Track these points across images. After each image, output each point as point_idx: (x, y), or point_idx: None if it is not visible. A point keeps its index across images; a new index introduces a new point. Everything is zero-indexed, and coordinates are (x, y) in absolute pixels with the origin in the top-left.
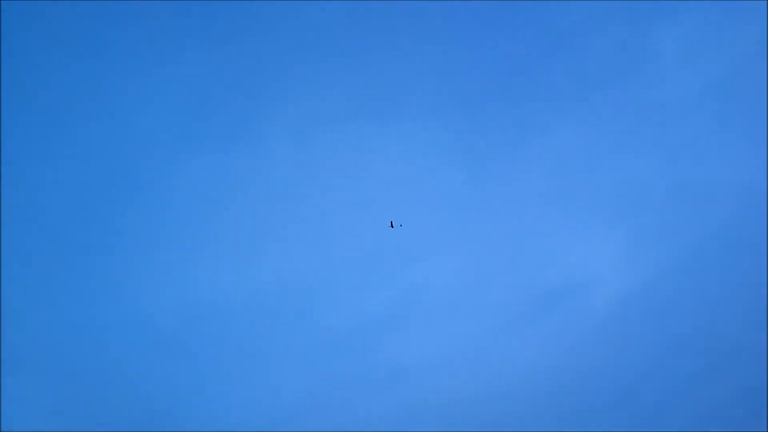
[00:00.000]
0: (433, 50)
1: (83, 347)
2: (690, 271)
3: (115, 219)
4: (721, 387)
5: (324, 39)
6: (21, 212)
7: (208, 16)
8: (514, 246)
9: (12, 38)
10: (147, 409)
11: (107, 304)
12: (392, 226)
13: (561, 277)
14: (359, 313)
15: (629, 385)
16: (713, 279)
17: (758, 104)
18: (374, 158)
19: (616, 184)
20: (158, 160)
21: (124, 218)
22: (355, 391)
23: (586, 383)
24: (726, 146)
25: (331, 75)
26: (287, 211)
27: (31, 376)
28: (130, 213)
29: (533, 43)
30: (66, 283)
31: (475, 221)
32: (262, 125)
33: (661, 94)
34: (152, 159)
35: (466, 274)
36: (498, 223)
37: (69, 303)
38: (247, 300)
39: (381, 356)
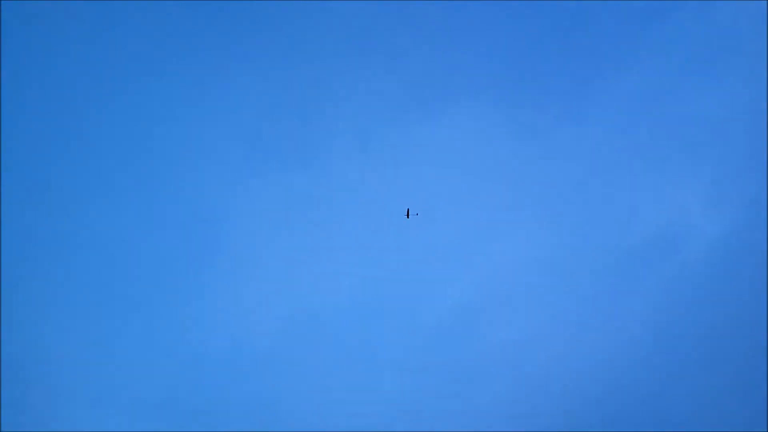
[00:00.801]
0: (467, 42)
1: (196, 361)
2: None
3: (215, 236)
4: None
5: (367, 43)
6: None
7: (264, 41)
8: (598, 206)
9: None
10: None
11: (214, 319)
12: (408, 216)
13: (653, 228)
14: (455, 302)
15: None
16: None
17: None
18: (439, 148)
19: (697, 122)
20: (248, 176)
21: (221, 235)
22: (463, 381)
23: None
24: None
25: (381, 77)
26: (370, 215)
27: (139, 385)
28: (226, 231)
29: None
30: (173, 304)
31: (553, 190)
32: (330, 140)
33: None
34: (244, 175)
35: (556, 245)
36: (577, 187)
37: (176, 323)
38: (345, 306)
39: (483, 342)
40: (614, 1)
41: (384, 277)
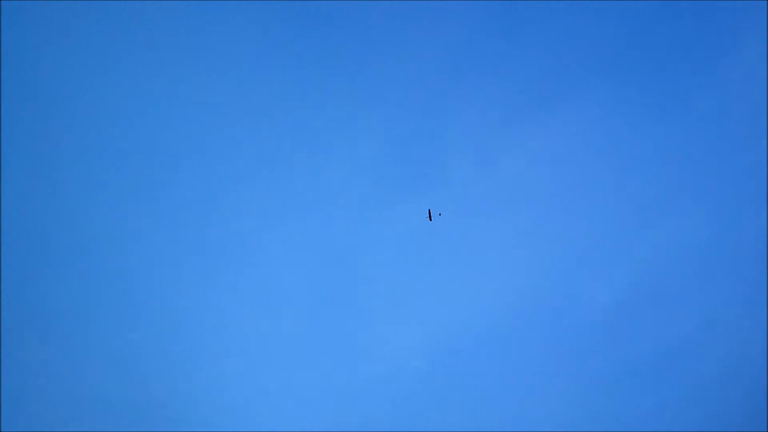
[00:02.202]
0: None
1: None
2: None
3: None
4: None
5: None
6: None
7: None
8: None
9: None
10: None
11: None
12: (430, 218)
13: None
14: (607, 302)
15: None
16: None
17: None
18: (562, 145)
19: None
20: (379, 211)
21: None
22: (624, 385)
23: None
24: None
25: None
26: (505, 222)
27: None
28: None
29: None
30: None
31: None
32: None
33: None
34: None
35: (713, 233)
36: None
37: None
38: (495, 316)
39: (642, 343)
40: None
41: (530, 283)
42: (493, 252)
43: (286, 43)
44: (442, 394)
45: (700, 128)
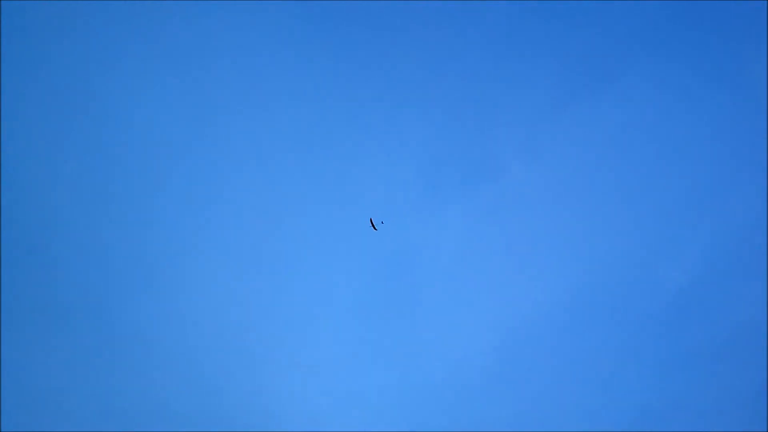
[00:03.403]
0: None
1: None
2: None
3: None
4: None
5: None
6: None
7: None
8: None
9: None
10: None
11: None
12: (373, 226)
13: None
14: (677, 285)
15: None
16: None
17: None
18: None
19: None
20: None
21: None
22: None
23: None
24: None
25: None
26: (566, 211)
27: None
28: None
29: None
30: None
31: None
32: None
33: None
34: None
35: None
36: None
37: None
38: (563, 307)
39: (711, 325)
40: None
41: (596, 271)
42: (553, 242)
43: (327, 43)
44: (511, 390)
45: (758, 100)
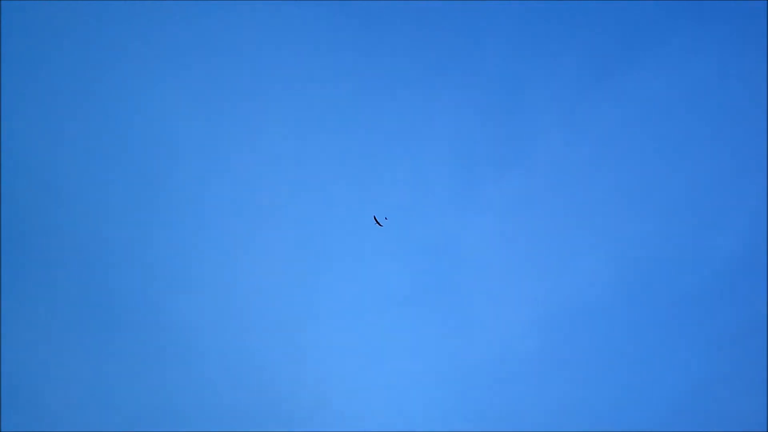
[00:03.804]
0: None
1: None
2: None
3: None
4: None
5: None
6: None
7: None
8: None
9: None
10: None
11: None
12: (377, 222)
13: None
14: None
15: None
16: None
17: None
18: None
19: None
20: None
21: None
22: None
23: None
24: None
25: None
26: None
27: None
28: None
29: None
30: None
31: None
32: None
33: None
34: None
35: None
36: None
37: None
38: (606, 286)
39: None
40: None
41: (645, 243)
42: (595, 222)
43: (357, 26)
44: (562, 368)
45: None
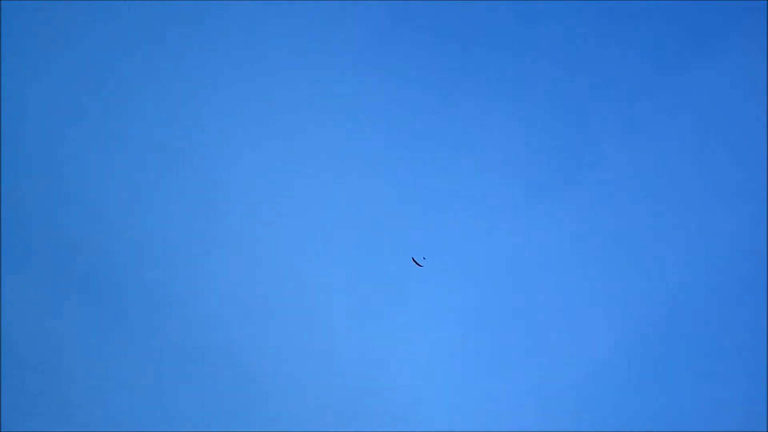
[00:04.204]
0: None
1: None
2: None
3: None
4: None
5: None
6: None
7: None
8: None
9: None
10: None
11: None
12: (416, 263)
13: None
14: None
15: None
16: None
17: None
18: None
19: None
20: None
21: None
22: None
23: None
24: None
25: None
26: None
27: None
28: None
29: None
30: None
31: None
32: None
33: None
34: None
35: None
36: None
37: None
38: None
39: None
40: None
41: (730, 248)
42: (669, 229)
43: (419, 42)
44: (655, 385)
45: None
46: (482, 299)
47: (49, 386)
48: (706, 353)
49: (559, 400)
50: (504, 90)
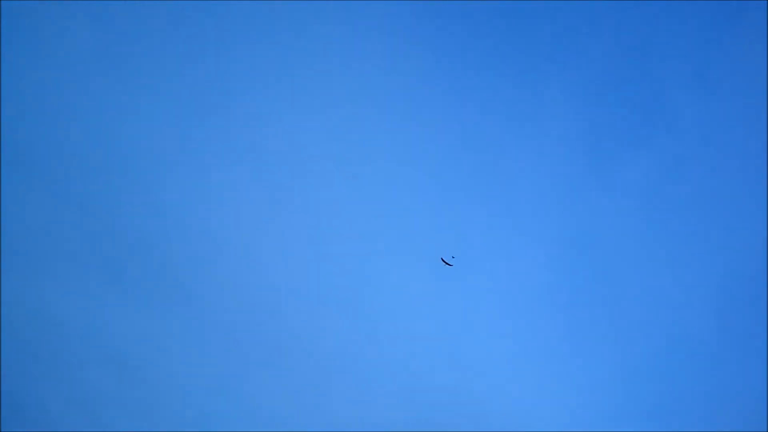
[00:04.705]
0: None
1: None
2: None
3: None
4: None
5: None
6: None
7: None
8: None
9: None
10: None
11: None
12: (445, 262)
13: None
14: None
15: None
16: None
17: None
18: None
19: None
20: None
21: None
22: None
23: None
24: None
25: None
26: None
27: None
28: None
29: None
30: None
31: None
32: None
33: None
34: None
35: None
36: None
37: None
38: None
39: None
40: None
41: None
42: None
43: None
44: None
45: None
46: (554, 282)
47: (148, 385)
48: None
49: (643, 382)
50: (567, 58)
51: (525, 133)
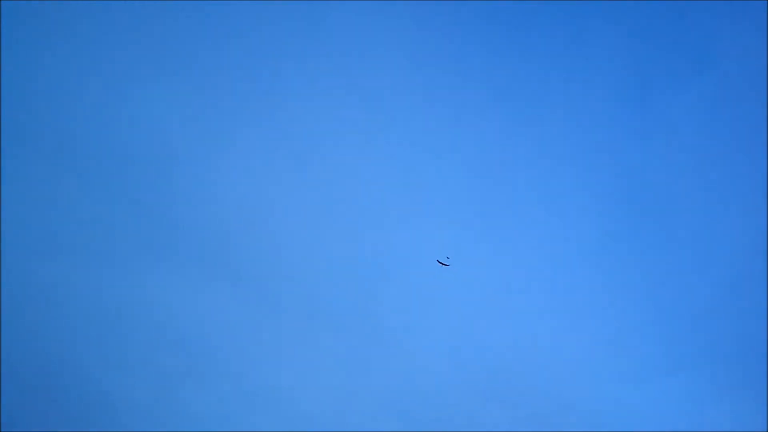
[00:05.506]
0: None
1: None
2: None
3: None
4: None
5: None
6: None
7: None
8: None
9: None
10: None
11: None
12: (442, 263)
13: None
14: None
15: None
16: None
17: None
18: None
19: None
20: None
21: None
22: None
23: None
24: None
25: None
26: None
27: None
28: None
29: None
30: None
31: None
32: None
33: None
34: None
35: None
36: None
37: None
38: None
39: None
40: None
41: None
42: None
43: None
44: None
45: None
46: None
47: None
48: None
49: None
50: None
51: (571, 77)
